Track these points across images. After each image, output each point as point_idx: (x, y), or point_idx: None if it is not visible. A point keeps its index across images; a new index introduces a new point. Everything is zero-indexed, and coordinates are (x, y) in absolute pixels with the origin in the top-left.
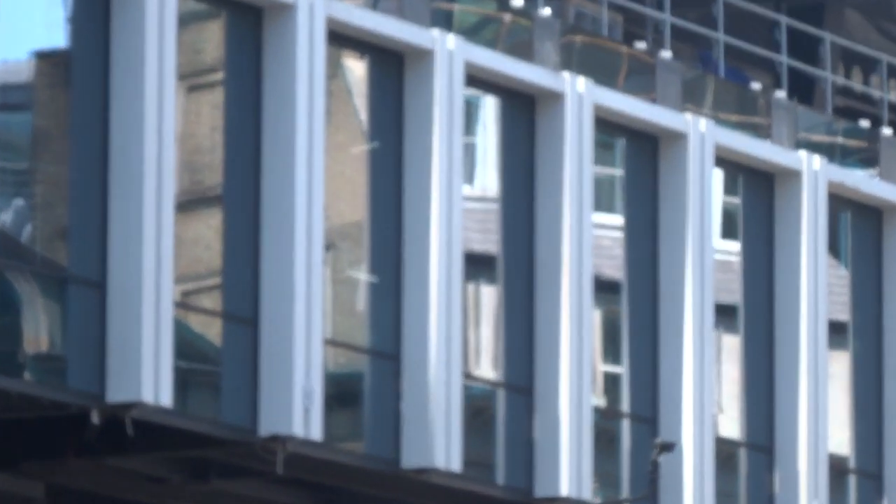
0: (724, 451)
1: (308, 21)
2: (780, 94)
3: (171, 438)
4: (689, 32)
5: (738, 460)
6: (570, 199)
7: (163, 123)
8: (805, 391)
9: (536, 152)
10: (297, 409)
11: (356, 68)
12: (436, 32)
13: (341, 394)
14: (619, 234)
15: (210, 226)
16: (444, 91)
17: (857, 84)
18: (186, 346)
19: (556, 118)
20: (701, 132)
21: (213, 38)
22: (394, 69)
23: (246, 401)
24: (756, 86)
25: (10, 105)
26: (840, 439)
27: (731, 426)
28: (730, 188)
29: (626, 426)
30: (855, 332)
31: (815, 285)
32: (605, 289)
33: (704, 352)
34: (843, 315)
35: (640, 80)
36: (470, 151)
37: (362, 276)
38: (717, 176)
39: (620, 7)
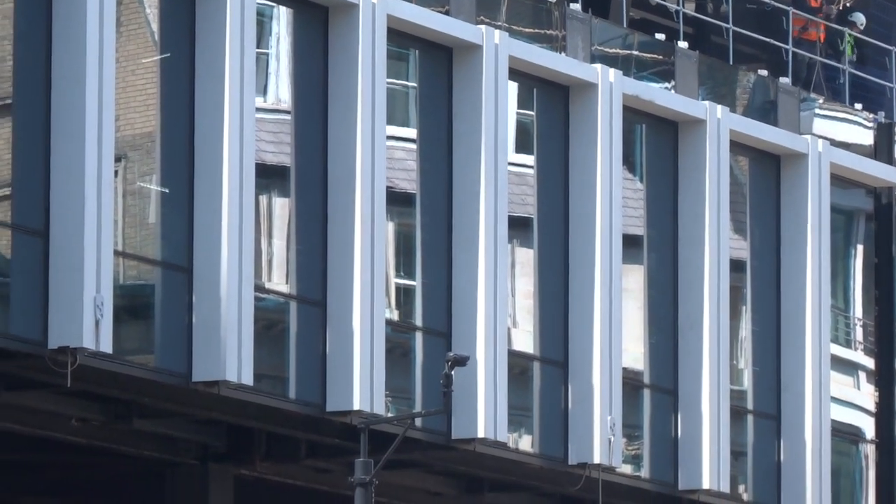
0: (518, 366)
1: None
2: (575, 7)
3: None
4: None
5: (532, 374)
6: (363, 111)
7: None
8: (599, 305)
9: (330, 64)
10: (87, 322)
11: None
12: None
13: (132, 306)
14: (413, 147)
15: None
16: (237, 1)
17: None
18: None
19: (349, 29)
20: (495, 44)
21: None
22: None
23: (35, 313)
24: None
25: None
26: (635, 354)
27: (525, 340)
28: (524, 101)
29: (419, 340)
30: (650, 246)
31: (610, 199)
32: (398, 202)
33: (498, 265)
34: (638, 229)
35: None
36: (262, 63)
37: (153, 187)
38: (512, 88)
39: None
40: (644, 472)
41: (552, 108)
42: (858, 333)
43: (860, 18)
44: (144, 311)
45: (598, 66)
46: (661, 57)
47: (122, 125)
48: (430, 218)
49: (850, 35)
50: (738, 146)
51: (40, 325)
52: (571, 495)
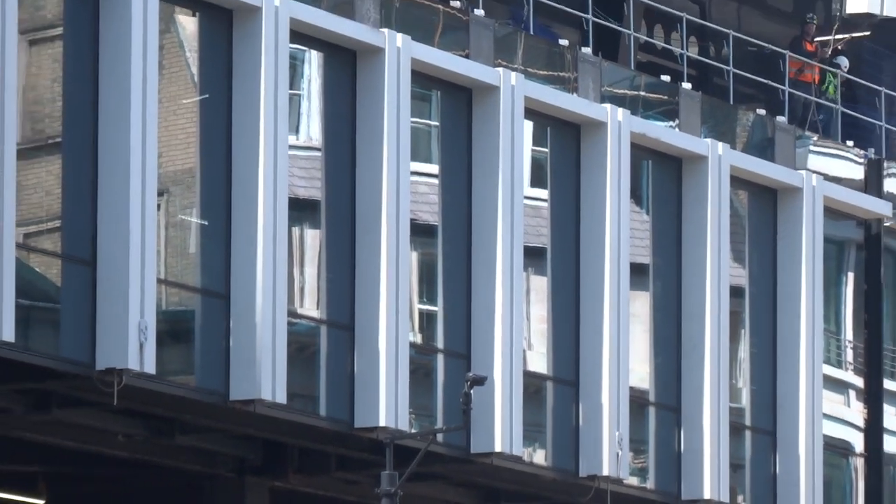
0: (533, 385)
1: None
2: (587, 51)
3: (13, 372)
4: None
5: (545, 393)
6: (388, 148)
7: (4, 74)
8: (608, 329)
9: (358, 104)
10: (132, 344)
11: (188, 24)
12: None
13: (174, 330)
14: (435, 182)
15: (50, 172)
16: (271, 46)
17: (658, 41)
18: (28, 285)
19: (376, 72)
20: (512, 85)
21: None
22: (223, 25)
23: (84, 336)
24: (564, 42)
25: None
26: (641, 374)
27: (539, 361)
28: (539, 139)
29: (440, 361)
30: (655, 274)
31: (619, 230)
32: (421, 233)
33: (514, 292)
34: (645, 258)
35: (455, 36)
36: (295, 103)
37: (193, 219)
38: (527, 127)
39: None
40: (650, 484)
41: (565, 145)
42: (849, 355)
43: (844, 62)
44: (185, 334)
45: (608, 105)
46: (666, 97)
47: (165, 161)
48: (450, 248)
49: (833, 76)
50: (738, 181)
51: (89, 347)
52: None
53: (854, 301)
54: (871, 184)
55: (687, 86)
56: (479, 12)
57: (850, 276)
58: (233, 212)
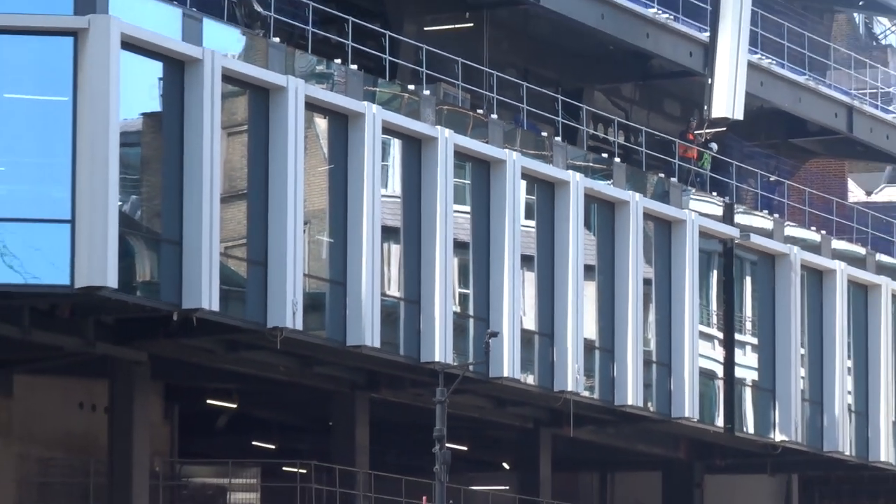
0: (526, 336)
1: (294, 96)
2: (558, 139)
3: (217, 328)
4: (507, 104)
5: (534, 343)
6: (440, 196)
7: (213, 153)
8: (571, 303)
9: (422, 171)
10: (288, 312)
11: (321, 123)
12: (366, 103)
13: (313, 304)
14: (468, 216)
15: (240, 210)
16: (371, 137)
17: (600, 133)
18: (227, 277)
19: (433, 152)
20: (514, 160)
21: (241, 105)
22: (342, 124)
23: (260, 307)
24: (544, 134)
25: (129, 143)
26: (591, 330)
27: (530, 322)
28: (530, 191)
29: (471, 322)
30: (598, 271)
31: (577, 244)
32: (460, 246)
33: (515, 281)
34: (593, 261)
35: (480, 130)
36: (385, 170)
37: (325, 238)
38: (523, 184)
39: (468, 89)
40: (596, 395)
41: (545, 195)
42: (714, 318)
43: (714, 146)
44: (320, 307)
45: (570, 171)
46: (605, 167)
47: (308, 204)
48: (477, 255)
49: (707, 154)
50: (648, 216)
51: (262, 314)
52: (555, 408)
53: (717, 287)
54: (727, 218)
55: (617, 160)
56: (494, 116)
57: (715, 272)
58: (348, 234)
